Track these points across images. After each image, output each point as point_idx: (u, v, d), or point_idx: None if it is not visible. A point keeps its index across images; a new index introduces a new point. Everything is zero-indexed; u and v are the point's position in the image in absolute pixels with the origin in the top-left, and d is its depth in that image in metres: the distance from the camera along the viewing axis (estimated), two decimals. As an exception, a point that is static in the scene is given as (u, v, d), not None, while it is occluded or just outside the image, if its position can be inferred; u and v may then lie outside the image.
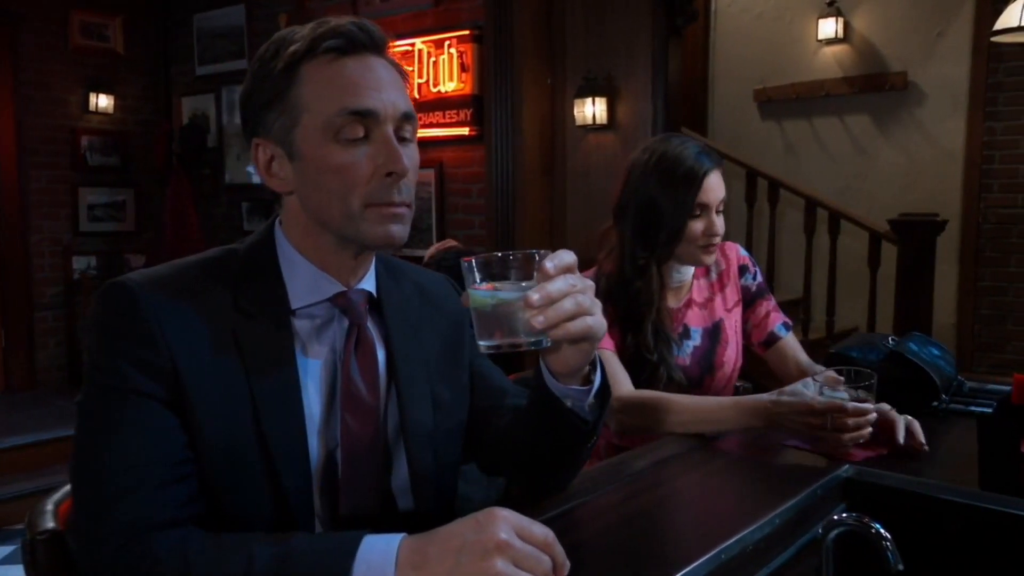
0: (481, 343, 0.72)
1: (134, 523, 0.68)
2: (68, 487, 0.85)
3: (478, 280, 0.72)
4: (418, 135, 0.86)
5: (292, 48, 0.78)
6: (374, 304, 0.88)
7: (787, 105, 4.13)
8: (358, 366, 0.82)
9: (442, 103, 3.53)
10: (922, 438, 1.12)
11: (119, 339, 0.74)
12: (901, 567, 0.79)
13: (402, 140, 0.80)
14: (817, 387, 1.13)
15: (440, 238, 3.69)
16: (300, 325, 0.82)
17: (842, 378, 1.13)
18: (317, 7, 4.02)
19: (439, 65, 3.53)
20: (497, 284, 0.71)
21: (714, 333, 1.46)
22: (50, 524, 0.81)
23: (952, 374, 1.41)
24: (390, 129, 0.78)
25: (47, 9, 4.44)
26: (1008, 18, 2.51)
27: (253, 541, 0.67)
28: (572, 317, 0.70)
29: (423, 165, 3.35)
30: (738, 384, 1.54)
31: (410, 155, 0.80)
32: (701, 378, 1.44)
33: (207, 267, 0.81)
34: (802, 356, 1.48)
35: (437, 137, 3.56)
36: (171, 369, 0.73)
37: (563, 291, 0.70)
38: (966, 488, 0.99)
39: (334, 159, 0.77)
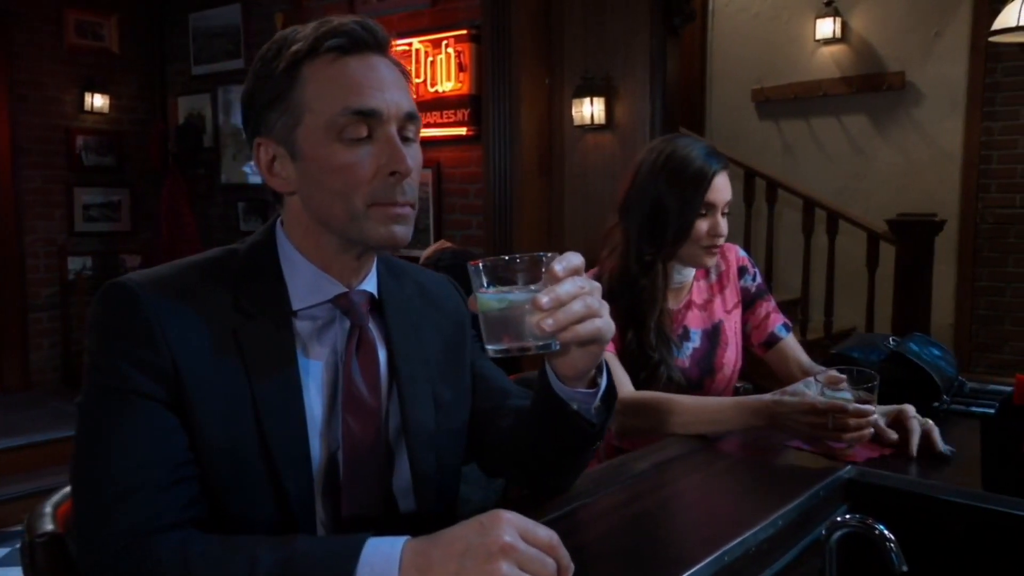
0: (489, 347, 0.71)
1: (136, 525, 0.68)
2: (67, 489, 0.85)
3: (485, 284, 0.71)
4: (416, 135, 0.85)
5: (294, 47, 0.78)
6: (375, 305, 0.87)
7: (785, 105, 4.13)
8: (359, 367, 0.82)
9: (440, 103, 3.52)
10: (940, 444, 1.11)
11: (119, 340, 0.73)
12: (905, 568, 0.78)
13: (405, 140, 0.80)
14: (819, 387, 1.13)
15: (438, 239, 3.68)
16: (301, 326, 0.81)
17: (844, 377, 1.13)
18: (314, 6, 4.01)
19: (436, 65, 3.52)
20: (504, 288, 0.70)
21: (714, 335, 1.46)
22: (49, 527, 0.81)
23: (953, 375, 1.41)
24: (393, 129, 0.78)
25: (41, 8, 4.42)
26: (1006, 18, 2.51)
27: (256, 544, 0.67)
28: (582, 319, 0.69)
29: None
30: (738, 385, 1.54)
31: (413, 155, 0.80)
32: (701, 380, 1.43)
33: (207, 267, 0.81)
34: (803, 357, 1.49)
35: (434, 137, 3.55)
36: (172, 370, 0.73)
37: (572, 293, 0.69)
38: (969, 489, 0.99)
39: (337, 159, 0.76)
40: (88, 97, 4.59)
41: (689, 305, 1.46)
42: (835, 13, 3.92)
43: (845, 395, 1.10)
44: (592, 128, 3.17)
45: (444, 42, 3.49)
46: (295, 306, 0.81)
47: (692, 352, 1.44)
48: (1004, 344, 3.57)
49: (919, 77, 3.75)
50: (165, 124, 4.83)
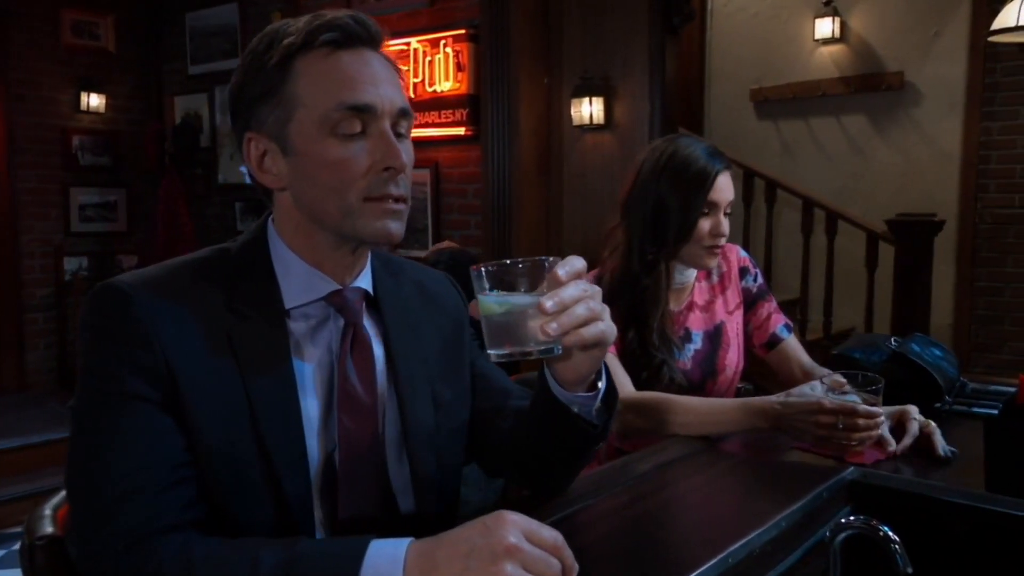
0: (491, 352, 0.71)
1: (136, 528, 0.67)
2: (65, 492, 0.84)
3: (487, 288, 0.71)
4: (414, 135, 0.85)
5: (287, 41, 0.77)
6: (371, 302, 0.86)
7: (783, 105, 4.13)
8: (354, 366, 0.81)
9: (438, 103, 3.51)
10: (940, 447, 1.11)
11: (112, 342, 0.73)
12: (910, 570, 0.78)
13: (398, 136, 0.79)
14: (823, 390, 1.12)
15: (436, 238, 3.67)
16: (295, 325, 0.81)
17: (846, 381, 1.13)
18: (311, 5, 4.00)
19: (435, 64, 3.51)
20: (506, 292, 0.70)
21: (715, 336, 1.46)
22: (48, 529, 0.80)
23: (955, 375, 1.40)
24: (387, 124, 0.78)
25: (37, 7, 4.40)
26: (1005, 18, 2.51)
27: (258, 546, 0.66)
28: (585, 323, 0.69)
29: (418, 165, 3.34)
30: (739, 386, 1.53)
31: (407, 150, 0.79)
32: (703, 381, 1.43)
33: (199, 267, 0.80)
34: (804, 357, 1.48)
35: (433, 137, 3.54)
36: (166, 371, 0.72)
37: (576, 297, 0.69)
38: (972, 490, 0.98)
39: (331, 154, 0.76)
40: (84, 97, 4.58)
41: (691, 306, 1.46)
42: (834, 13, 3.92)
43: (852, 398, 1.10)
44: (591, 128, 3.16)
45: (442, 42, 3.48)
46: (288, 305, 0.80)
47: (694, 354, 1.43)
48: (1003, 344, 3.57)
49: (918, 77, 3.75)
50: (162, 124, 4.82)
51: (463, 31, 3.44)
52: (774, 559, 0.86)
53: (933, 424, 1.14)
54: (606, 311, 0.72)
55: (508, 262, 0.70)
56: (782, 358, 1.48)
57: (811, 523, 0.94)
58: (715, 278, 1.49)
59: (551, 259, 0.71)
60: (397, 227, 0.78)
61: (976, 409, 1.36)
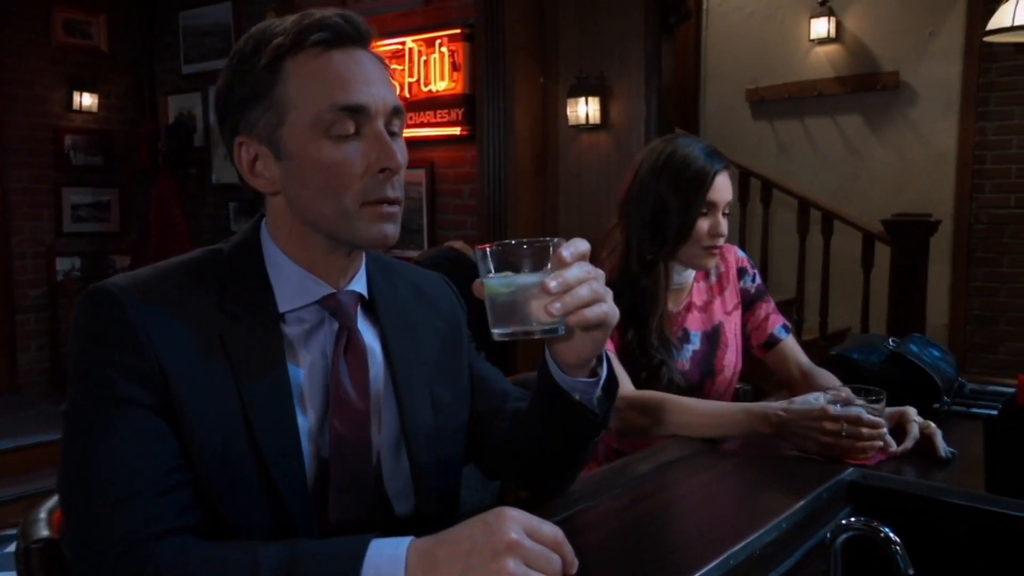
0: (495, 331, 0.72)
1: (132, 533, 0.67)
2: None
3: (492, 269, 0.71)
4: (409, 135, 0.84)
5: (276, 42, 0.76)
6: (367, 305, 0.86)
7: (779, 105, 4.14)
8: (348, 371, 0.80)
9: (433, 102, 3.50)
10: (941, 449, 1.11)
11: (104, 345, 0.72)
12: (911, 572, 0.78)
13: (392, 135, 0.78)
14: (826, 401, 1.12)
15: (431, 239, 3.66)
16: (289, 329, 0.80)
17: (853, 395, 1.12)
18: (304, 4, 3.98)
19: (430, 64, 3.50)
20: (511, 273, 0.70)
21: (713, 337, 1.46)
22: (44, 532, 0.80)
23: (953, 376, 1.40)
24: (381, 124, 0.77)
25: (29, 5, 4.37)
26: (1001, 18, 2.51)
27: (257, 548, 0.66)
28: (589, 304, 0.70)
29: (413, 165, 3.34)
30: (738, 387, 1.53)
31: (401, 150, 0.78)
32: (701, 382, 1.43)
33: (191, 269, 0.79)
34: (802, 358, 1.48)
35: (428, 137, 3.53)
36: (159, 375, 0.72)
37: (580, 278, 0.69)
38: (972, 491, 0.98)
39: (325, 156, 0.75)
40: (76, 96, 4.54)
41: (689, 307, 1.45)
42: (829, 13, 3.92)
43: (856, 410, 1.09)
44: (587, 128, 3.16)
45: (437, 41, 3.47)
46: (282, 308, 0.79)
47: (692, 354, 1.43)
48: (999, 344, 3.58)
49: (913, 77, 3.76)
50: (155, 123, 4.79)
51: (458, 30, 3.43)
52: (775, 560, 0.86)
53: (933, 425, 1.14)
54: (609, 293, 0.72)
55: (513, 242, 0.71)
56: (780, 359, 1.48)
57: (811, 524, 0.94)
58: (713, 279, 1.49)
59: (556, 240, 0.71)
60: (393, 230, 0.78)
61: (975, 410, 1.36)
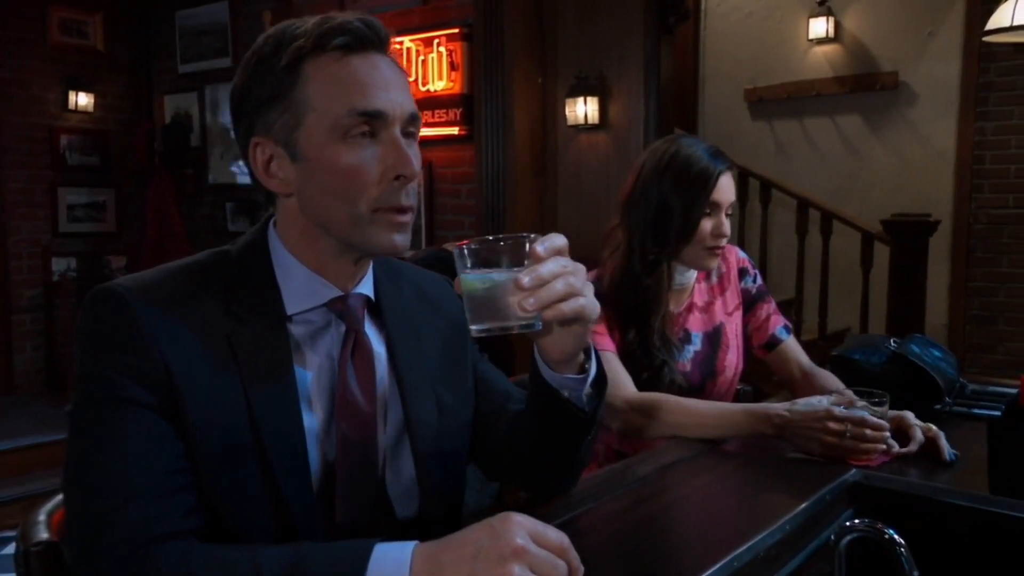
0: (472, 327, 0.72)
1: (135, 534, 0.67)
2: (60, 496, 0.84)
3: (469, 265, 0.72)
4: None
5: (296, 44, 0.76)
6: (372, 308, 0.86)
7: (778, 105, 4.13)
8: (355, 373, 0.80)
9: (431, 102, 3.50)
10: (945, 451, 1.11)
11: (110, 348, 0.72)
12: (916, 573, 0.77)
13: (408, 141, 0.78)
14: (829, 403, 1.11)
15: (429, 239, 3.65)
16: (296, 331, 0.80)
17: (856, 398, 1.12)
18: (302, 4, 3.97)
19: (428, 64, 3.50)
20: (487, 269, 0.71)
21: (715, 337, 1.45)
22: (44, 535, 0.80)
23: (955, 376, 1.40)
24: (398, 130, 0.77)
25: (25, 5, 4.35)
26: (1000, 18, 2.51)
27: (260, 551, 0.66)
28: (564, 298, 0.70)
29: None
30: (738, 387, 1.52)
31: (416, 156, 0.78)
32: (702, 383, 1.42)
33: (198, 271, 0.79)
34: (803, 358, 1.48)
35: (426, 137, 3.52)
36: (165, 377, 0.72)
37: (554, 272, 0.69)
38: (975, 492, 0.98)
39: (342, 161, 0.75)
40: (72, 96, 4.53)
41: (690, 308, 1.45)
42: (828, 13, 3.92)
43: (861, 412, 1.09)
44: (586, 128, 3.15)
45: (436, 40, 3.47)
46: (289, 311, 0.79)
47: (693, 355, 1.42)
48: (998, 344, 3.58)
49: (912, 77, 3.76)
50: (151, 123, 4.78)
51: (456, 30, 3.42)
52: (778, 562, 0.85)
53: (935, 428, 1.14)
54: (589, 288, 0.72)
55: (490, 238, 0.71)
56: (781, 359, 1.48)
57: (815, 526, 0.93)
58: (714, 279, 1.49)
59: (532, 236, 0.71)
60: (403, 240, 0.78)
61: (976, 411, 1.36)
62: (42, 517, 0.83)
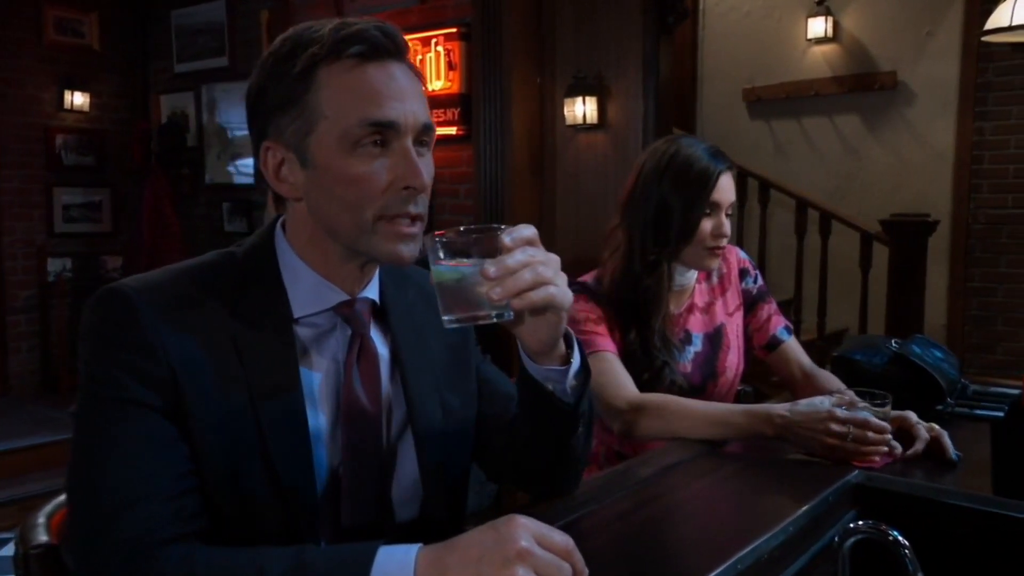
0: (444, 318, 0.73)
1: (138, 538, 0.66)
2: (60, 499, 0.85)
3: (441, 256, 0.72)
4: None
5: (311, 50, 0.75)
6: (377, 312, 0.86)
7: (776, 105, 4.13)
8: (360, 377, 0.80)
9: (429, 102, 3.41)
10: (950, 451, 1.10)
11: (116, 348, 0.72)
12: (920, 575, 0.76)
13: (420, 149, 0.78)
14: (831, 404, 1.11)
15: (427, 239, 3.63)
16: (301, 334, 0.80)
17: (858, 398, 1.12)
18: (300, 3, 3.96)
19: (426, 63, 3.49)
20: (458, 260, 0.72)
21: (715, 338, 1.45)
22: (43, 538, 0.80)
23: (956, 377, 1.40)
24: (409, 141, 0.77)
25: (20, 4, 4.33)
26: (998, 18, 2.51)
27: (263, 555, 0.66)
28: (532, 287, 0.70)
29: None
30: (739, 388, 1.52)
31: (427, 167, 0.78)
32: (703, 384, 1.42)
33: (204, 273, 0.79)
34: (804, 359, 1.47)
35: (424, 136, 3.51)
36: (171, 379, 0.72)
37: (521, 262, 0.70)
38: (978, 493, 0.98)
39: (351, 170, 0.75)
40: (68, 95, 4.51)
41: (691, 308, 1.44)
42: (827, 12, 3.92)
43: (862, 414, 1.09)
44: (584, 128, 3.15)
45: (433, 40, 3.46)
46: (296, 314, 0.79)
47: (694, 356, 1.42)
48: (997, 345, 3.58)
49: (911, 77, 3.76)
50: (147, 123, 4.76)
51: (454, 29, 3.41)
52: (782, 564, 0.85)
53: (937, 427, 1.13)
54: (560, 277, 0.72)
55: (462, 229, 0.71)
56: (782, 360, 1.48)
57: (818, 527, 0.93)
58: (715, 280, 1.49)
59: (502, 227, 0.72)
60: (410, 251, 0.78)
61: (978, 411, 1.35)
62: (41, 520, 0.83)
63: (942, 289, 3.62)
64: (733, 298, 1.49)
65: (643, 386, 1.31)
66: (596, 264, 1.43)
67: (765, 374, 1.57)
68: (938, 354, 1.41)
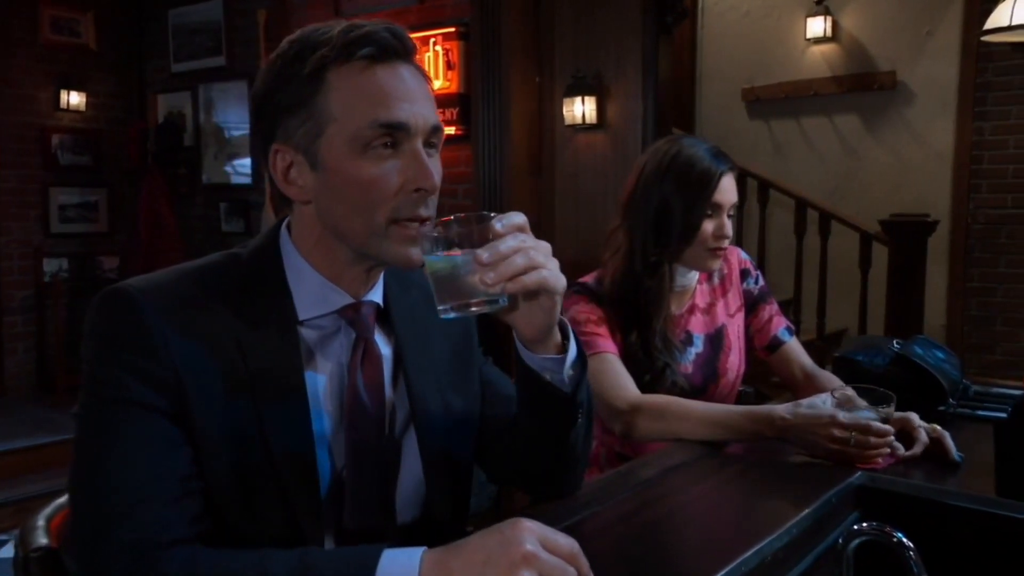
0: (440, 307, 0.73)
1: (140, 541, 0.66)
2: (59, 501, 0.85)
3: (434, 247, 0.72)
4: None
5: (321, 52, 0.75)
6: (381, 314, 0.85)
7: (775, 104, 4.13)
8: (364, 381, 0.80)
9: (428, 101, 3.47)
10: (953, 452, 1.10)
11: (120, 349, 0.72)
12: (924, 577, 0.76)
13: (429, 150, 0.78)
14: (833, 404, 1.11)
15: (425, 239, 3.62)
16: (306, 336, 0.80)
17: (855, 395, 1.11)
18: (298, 3, 3.95)
19: (424, 63, 3.48)
20: (450, 250, 0.72)
21: (716, 339, 1.44)
22: (43, 541, 0.80)
23: (958, 378, 1.39)
24: (420, 143, 0.76)
25: (15, 3, 4.31)
26: (998, 17, 2.51)
27: (266, 558, 0.66)
28: (524, 271, 0.70)
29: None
30: (740, 389, 1.52)
31: (436, 168, 0.78)
32: (704, 385, 1.41)
33: (209, 274, 0.78)
34: (806, 360, 1.47)
35: (422, 136, 3.50)
36: (174, 381, 0.71)
37: (513, 247, 0.70)
38: (981, 494, 0.97)
39: (362, 172, 0.75)
40: (64, 95, 4.49)
41: (692, 309, 1.44)
42: (826, 12, 3.92)
43: (864, 414, 1.08)
44: (583, 128, 3.14)
45: (432, 39, 3.45)
46: (301, 316, 0.79)
47: (695, 357, 1.41)
48: (996, 345, 3.57)
49: (910, 77, 3.76)
50: (144, 123, 4.75)
51: (453, 29, 3.41)
52: (785, 566, 0.85)
53: (939, 428, 1.13)
54: (552, 262, 0.73)
55: (452, 218, 0.71)
56: (784, 361, 1.47)
57: (821, 529, 0.92)
58: (716, 280, 1.48)
59: (493, 215, 0.72)
60: (419, 253, 0.77)
61: (980, 412, 1.35)
62: (41, 522, 0.83)
63: (941, 289, 3.62)
64: (734, 299, 1.48)
65: (644, 387, 1.31)
66: (595, 264, 1.42)
67: (766, 375, 1.57)
68: (940, 355, 1.41)
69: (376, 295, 0.84)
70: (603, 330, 1.31)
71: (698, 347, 1.42)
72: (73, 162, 4.60)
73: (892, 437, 1.08)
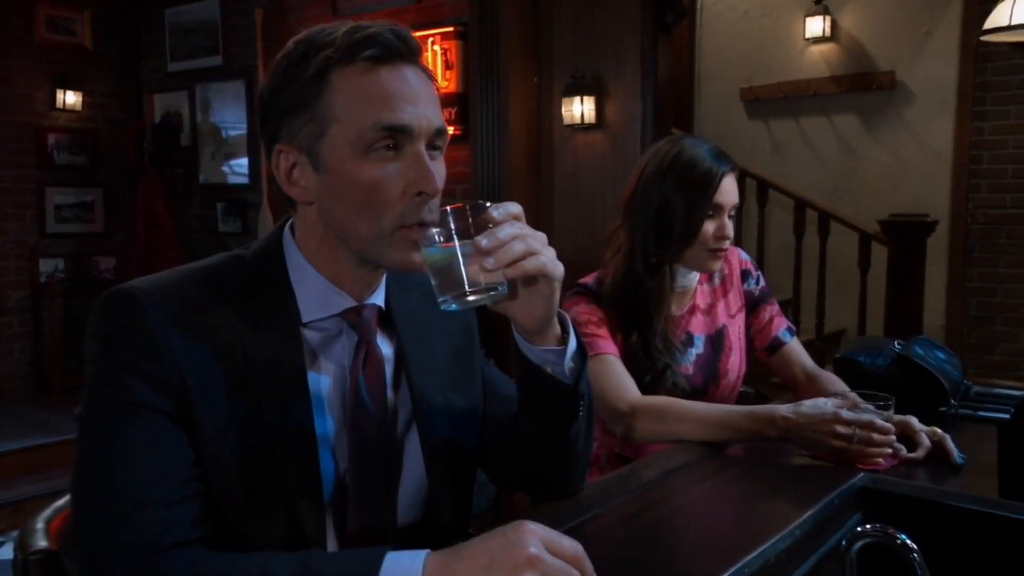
0: (440, 299, 0.73)
1: (143, 543, 0.66)
2: (59, 503, 0.85)
3: (432, 239, 0.73)
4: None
5: (325, 54, 0.75)
6: (383, 316, 0.85)
7: (774, 104, 4.13)
8: (366, 384, 0.80)
9: (427, 101, 3.46)
10: (954, 455, 1.10)
11: (124, 350, 0.71)
12: (928, 579, 0.76)
13: (433, 153, 0.78)
14: (835, 406, 1.11)
15: (424, 239, 3.62)
16: (309, 338, 0.79)
17: (861, 400, 1.11)
18: (295, 2, 3.94)
19: (423, 63, 3.47)
20: (449, 241, 0.72)
21: (717, 340, 1.44)
22: (42, 543, 0.80)
23: (959, 379, 1.39)
24: (422, 146, 0.76)
25: (11, 1, 4.29)
26: (997, 17, 2.51)
27: (269, 560, 0.66)
28: (523, 256, 0.71)
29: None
30: (741, 390, 1.51)
31: (439, 171, 0.78)
32: (705, 386, 1.41)
33: (212, 275, 0.78)
34: (807, 361, 1.47)
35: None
36: (178, 382, 0.71)
37: (512, 234, 0.71)
38: (984, 496, 0.97)
39: (363, 174, 0.74)
40: (60, 94, 4.48)
41: (693, 310, 1.43)
42: (825, 12, 3.92)
43: (868, 416, 1.08)
44: (582, 127, 3.14)
45: (430, 39, 3.44)
46: (304, 318, 0.79)
47: (696, 358, 1.41)
48: (995, 345, 3.58)
49: (909, 76, 3.76)
50: (141, 122, 4.73)
51: (451, 28, 3.40)
52: (788, 567, 0.85)
53: (940, 431, 1.13)
54: (549, 250, 0.73)
55: (448, 209, 0.72)
56: (785, 362, 1.47)
57: (823, 531, 0.92)
58: (717, 281, 1.48)
59: (488, 204, 0.72)
60: (420, 257, 0.77)
61: (982, 413, 1.35)
62: (40, 525, 0.82)
63: (941, 289, 3.62)
64: (735, 300, 1.48)
65: (645, 388, 1.30)
66: (594, 264, 1.42)
67: (766, 376, 1.56)
68: (941, 355, 1.40)
69: (378, 298, 0.84)
70: (603, 331, 1.31)
71: (699, 348, 1.41)
72: (69, 162, 4.59)
73: (894, 436, 1.08)
